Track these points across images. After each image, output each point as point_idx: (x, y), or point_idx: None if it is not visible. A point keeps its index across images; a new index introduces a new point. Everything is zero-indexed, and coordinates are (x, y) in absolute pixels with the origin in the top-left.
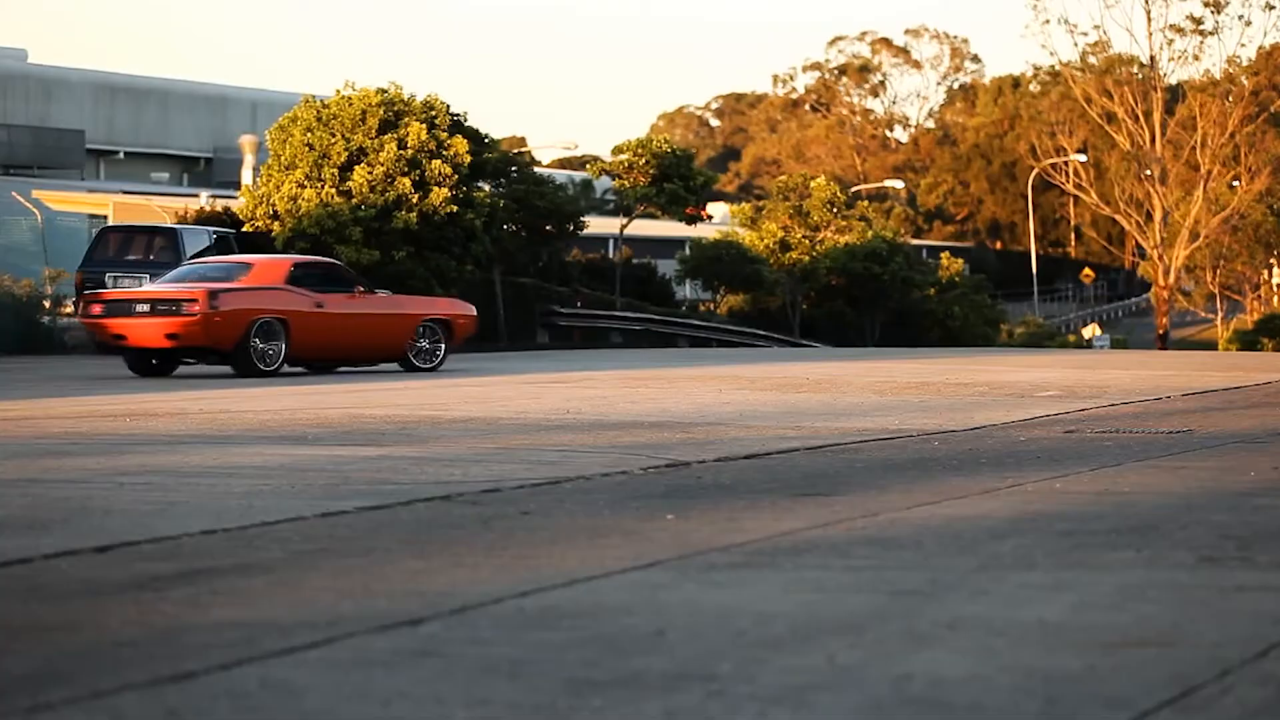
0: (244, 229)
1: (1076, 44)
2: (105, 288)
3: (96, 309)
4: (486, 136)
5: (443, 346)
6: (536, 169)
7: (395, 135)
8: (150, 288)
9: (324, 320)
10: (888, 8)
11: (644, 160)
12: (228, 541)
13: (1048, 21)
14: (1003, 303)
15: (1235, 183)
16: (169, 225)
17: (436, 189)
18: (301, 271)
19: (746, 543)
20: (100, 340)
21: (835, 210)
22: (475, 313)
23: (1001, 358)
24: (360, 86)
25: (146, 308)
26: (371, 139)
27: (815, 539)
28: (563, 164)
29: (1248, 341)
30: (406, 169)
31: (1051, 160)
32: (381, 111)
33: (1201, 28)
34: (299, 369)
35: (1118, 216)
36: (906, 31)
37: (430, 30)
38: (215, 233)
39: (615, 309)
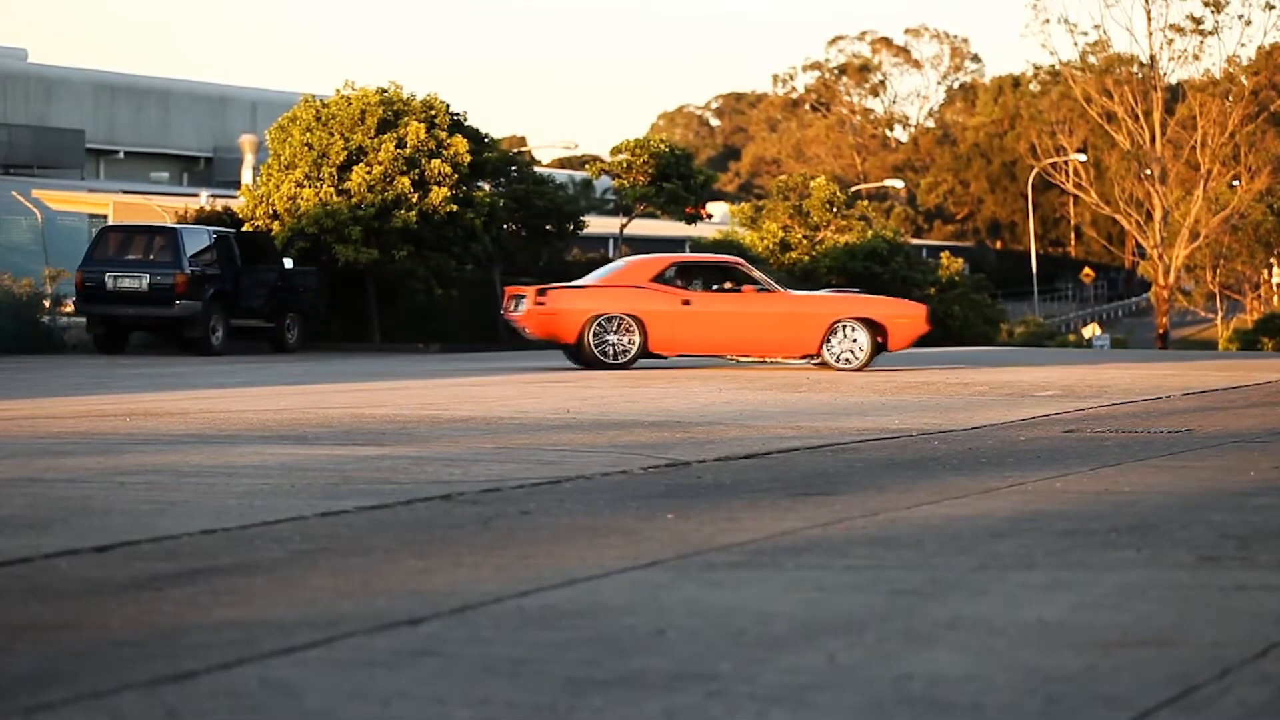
0: (244, 229)
1: (1076, 44)
2: (105, 287)
3: (509, 304)
4: (486, 136)
5: (864, 348)
6: (536, 169)
7: (394, 135)
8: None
9: (688, 317)
10: (888, 7)
11: (643, 160)
12: (228, 541)
13: (1048, 21)
14: (1003, 302)
15: (1235, 182)
16: (169, 225)
17: (436, 188)
18: (679, 270)
19: (746, 542)
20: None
21: (835, 210)
22: (920, 312)
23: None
24: (360, 86)
25: (514, 304)
26: (370, 138)
27: (815, 538)
28: (563, 164)
29: (1248, 341)
30: (405, 168)
31: (1051, 160)
32: (381, 111)
33: (1201, 27)
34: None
35: (1118, 216)
36: (906, 31)
37: (430, 30)
38: (215, 233)
39: None
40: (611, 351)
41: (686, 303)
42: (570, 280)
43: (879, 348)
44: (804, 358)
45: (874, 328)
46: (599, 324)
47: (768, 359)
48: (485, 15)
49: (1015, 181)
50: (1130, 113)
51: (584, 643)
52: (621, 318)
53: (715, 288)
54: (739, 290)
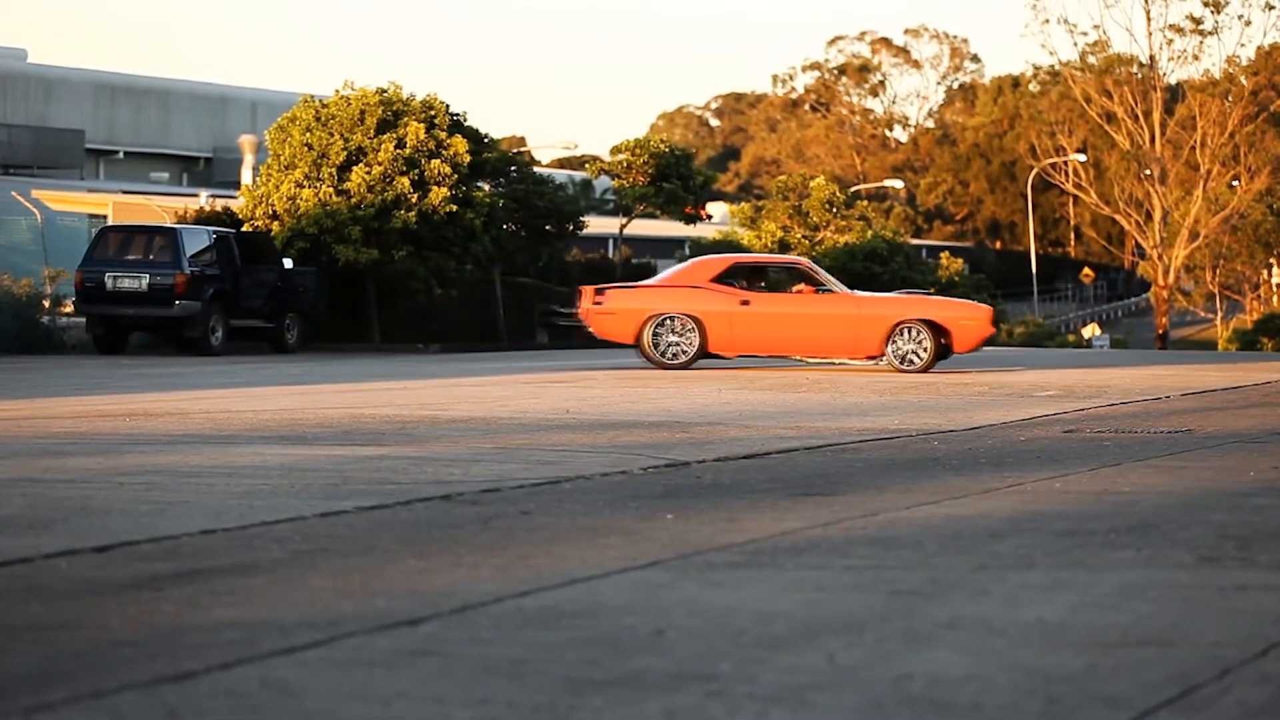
0: (244, 229)
1: (1076, 44)
2: (105, 287)
3: (580, 302)
4: (486, 136)
5: (926, 350)
6: (536, 169)
7: (394, 135)
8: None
9: (747, 318)
10: (887, 7)
11: (642, 160)
12: (227, 541)
13: (1047, 21)
14: (1002, 302)
15: (1235, 182)
16: (169, 225)
17: (436, 188)
18: (740, 270)
19: (746, 542)
20: None
21: (834, 210)
22: (985, 314)
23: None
24: (360, 86)
25: (581, 302)
26: (370, 139)
27: (815, 539)
28: (562, 164)
29: (1247, 341)
30: (405, 168)
31: (1051, 160)
32: (380, 111)
33: (1201, 28)
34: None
35: (1117, 216)
36: (906, 31)
37: (430, 30)
38: (215, 233)
39: None
40: (670, 352)
41: (745, 303)
42: (569, 281)
43: (945, 350)
44: (868, 359)
45: (938, 330)
46: (658, 324)
47: (830, 360)
48: (485, 15)
49: (1015, 181)
50: (1130, 113)
51: (584, 643)
52: (680, 318)
53: (778, 288)
54: (799, 290)
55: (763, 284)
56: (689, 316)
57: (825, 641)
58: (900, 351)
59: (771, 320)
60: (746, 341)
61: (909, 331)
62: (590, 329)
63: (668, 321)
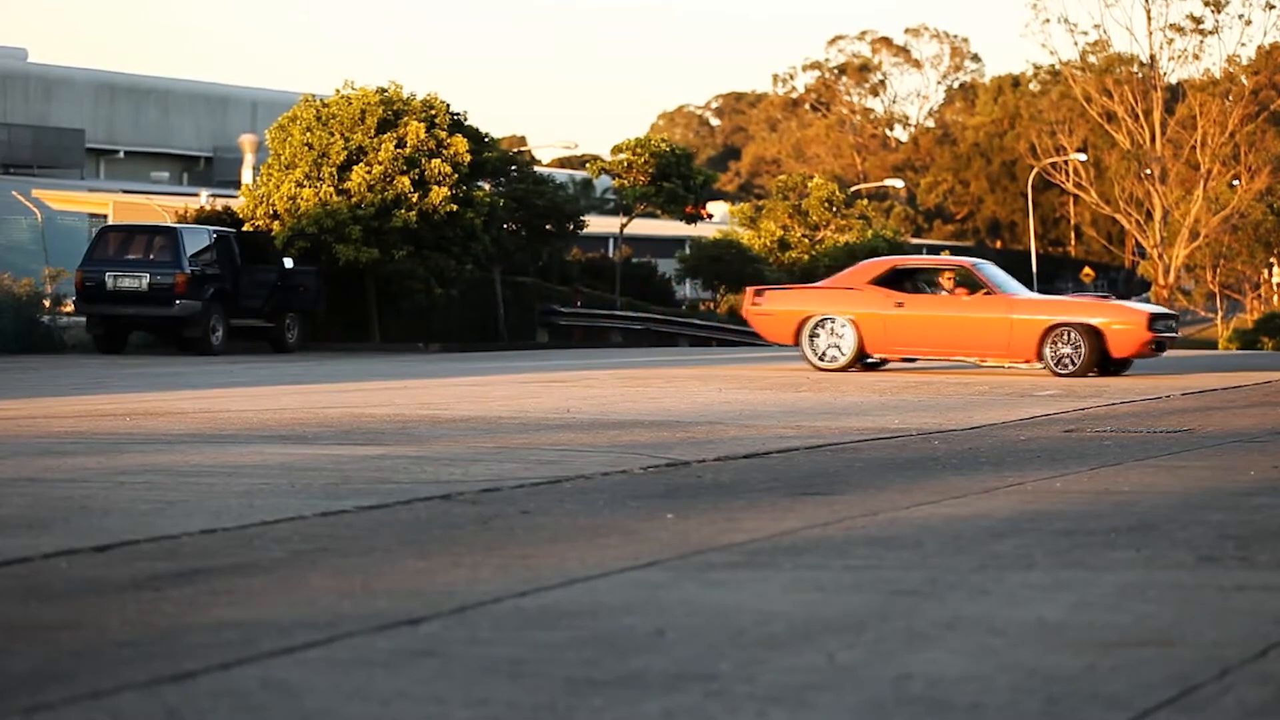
0: (244, 229)
1: (1076, 43)
2: (105, 287)
3: (744, 304)
4: (486, 136)
5: (1081, 354)
6: (536, 168)
7: (394, 134)
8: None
9: (901, 321)
10: (887, 6)
11: (643, 159)
12: (227, 541)
13: (1048, 21)
14: None
15: (1235, 182)
16: (169, 225)
17: (436, 188)
18: (901, 272)
19: (746, 542)
20: None
21: (834, 209)
22: (1140, 318)
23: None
24: (360, 86)
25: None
26: (370, 138)
27: (815, 538)
28: (562, 163)
29: (1248, 341)
30: (405, 168)
31: (1051, 159)
32: (381, 111)
33: (1201, 27)
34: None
35: (1118, 216)
36: (906, 31)
37: (430, 30)
38: (215, 233)
39: (615, 308)
40: (828, 354)
41: (900, 305)
42: (569, 280)
43: (1103, 355)
44: (1025, 362)
45: (1093, 334)
46: (815, 326)
47: (985, 362)
48: (485, 15)
49: (1015, 181)
50: (1130, 112)
51: (584, 643)
52: (835, 319)
53: (937, 290)
54: (951, 293)
55: (923, 286)
56: (844, 318)
57: (825, 641)
58: (1058, 355)
59: (925, 323)
60: (901, 343)
61: (1066, 335)
62: (754, 329)
63: (824, 323)
